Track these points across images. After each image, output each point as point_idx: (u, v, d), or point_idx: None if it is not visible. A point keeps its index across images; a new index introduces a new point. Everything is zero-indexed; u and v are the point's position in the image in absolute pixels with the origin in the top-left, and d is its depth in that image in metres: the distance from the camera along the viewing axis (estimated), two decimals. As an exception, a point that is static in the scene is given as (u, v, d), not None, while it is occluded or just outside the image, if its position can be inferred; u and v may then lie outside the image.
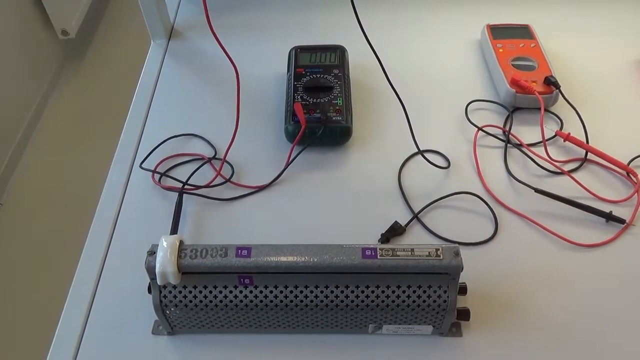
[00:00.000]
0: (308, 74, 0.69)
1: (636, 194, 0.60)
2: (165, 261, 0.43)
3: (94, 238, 0.58)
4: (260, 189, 0.62)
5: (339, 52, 0.72)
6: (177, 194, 0.60)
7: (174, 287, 0.46)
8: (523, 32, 0.76)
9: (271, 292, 0.45)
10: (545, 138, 0.65)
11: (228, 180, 0.62)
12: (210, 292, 0.45)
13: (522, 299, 0.52)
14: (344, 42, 0.74)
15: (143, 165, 0.64)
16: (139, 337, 0.50)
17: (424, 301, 0.45)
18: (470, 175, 0.63)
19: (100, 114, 1.92)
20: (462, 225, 0.58)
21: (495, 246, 0.56)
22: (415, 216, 0.59)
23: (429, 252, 0.43)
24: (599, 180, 0.62)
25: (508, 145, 0.66)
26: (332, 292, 0.45)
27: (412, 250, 0.43)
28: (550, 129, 0.67)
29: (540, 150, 0.64)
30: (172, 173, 0.64)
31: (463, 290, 0.50)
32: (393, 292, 0.45)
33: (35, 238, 1.58)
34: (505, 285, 0.53)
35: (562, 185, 0.61)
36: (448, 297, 0.45)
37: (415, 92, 0.72)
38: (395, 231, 0.57)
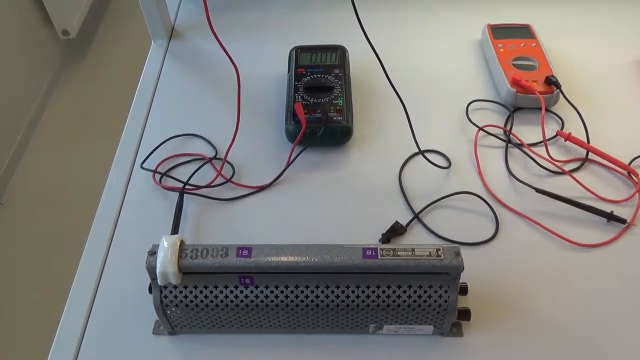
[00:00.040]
0: (309, 74, 0.69)
1: (637, 193, 0.60)
2: (166, 261, 0.43)
3: (94, 238, 0.58)
4: (260, 189, 0.62)
5: (339, 52, 0.72)
6: (178, 194, 0.60)
7: (175, 287, 0.46)
8: (524, 31, 0.76)
9: (272, 292, 0.45)
10: (546, 138, 0.65)
11: (229, 180, 0.62)
12: (211, 292, 0.45)
13: (523, 299, 0.52)
14: (345, 42, 0.74)
15: (144, 166, 0.64)
16: (139, 337, 0.50)
17: (425, 301, 0.45)
18: (471, 175, 0.63)
19: (100, 114, 1.92)
20: (462, 225, 0.58)
21: (496, 246, 0.56)
22: (416, 216, 0.58)
23: (430, 252, 0.43)
24: (600, 180, 0.62)
25: (509, 145, 0.66)
26: (332, 292, 0.45)
27: (413, 250, 0.43)
28: (551, 128, 0.67)
29: (541, 150, 0.64)
30: (173, 173, 0.64)
31: (464, 290, 0.50)
32: (394, 292, 0.45)
33: (36, 238, 1.58)
34: (506, 285, 0.53)
35: (563, 185, 0.61)
36: (449, 297, 0.45)
37: (415, 92, 0.72)
38: (396, 231, 0.57)
